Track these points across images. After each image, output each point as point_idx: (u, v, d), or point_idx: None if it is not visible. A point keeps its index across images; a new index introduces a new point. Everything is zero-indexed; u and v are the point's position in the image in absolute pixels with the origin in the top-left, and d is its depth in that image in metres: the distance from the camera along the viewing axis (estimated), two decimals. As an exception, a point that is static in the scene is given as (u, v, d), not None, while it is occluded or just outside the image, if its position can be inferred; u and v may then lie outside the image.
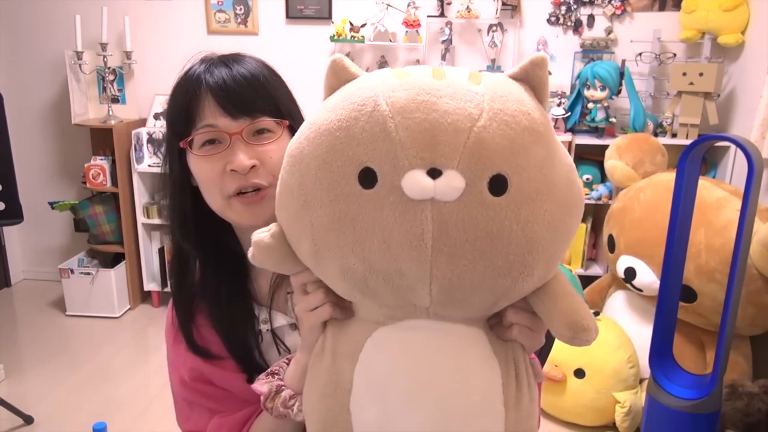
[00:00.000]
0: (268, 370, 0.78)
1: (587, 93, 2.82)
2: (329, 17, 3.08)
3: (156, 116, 3.18)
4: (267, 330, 0.88)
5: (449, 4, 2.98)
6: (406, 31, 2.97)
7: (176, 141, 0.82)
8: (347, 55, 3.08)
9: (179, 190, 0.86)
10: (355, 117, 0.57)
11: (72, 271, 3.07)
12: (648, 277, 2.16)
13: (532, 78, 0.61)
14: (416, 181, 0.53)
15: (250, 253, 0.65)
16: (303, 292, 0.68)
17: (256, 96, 0.80)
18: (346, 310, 0.66)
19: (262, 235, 0.65)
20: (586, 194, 2.90)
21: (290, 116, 0.84)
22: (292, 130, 0.82)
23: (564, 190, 0.58)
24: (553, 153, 0.59)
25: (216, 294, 0.88)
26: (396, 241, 0.54)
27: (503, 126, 0.55)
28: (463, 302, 0.58)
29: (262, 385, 0.76)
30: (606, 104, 2.80)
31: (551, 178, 0.57)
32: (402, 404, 0.60)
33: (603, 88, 2.77)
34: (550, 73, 3.04)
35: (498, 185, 0.54)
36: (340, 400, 0.63)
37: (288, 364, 0.78)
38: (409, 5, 2.93)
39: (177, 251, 0.90)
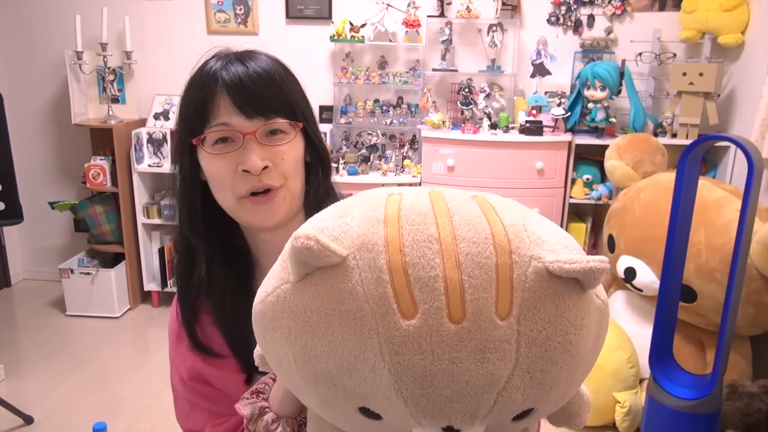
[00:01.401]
0: (253, 387, 0.77)
1: (587, 93, 2.82)
2: (329, 17, 3.08)
3: (156, 116, 3.18)
4: None
5: (449, 4, 2.98)
6: (406, 31, 2.97)
7: (189, 137, 0.81)
8: (347, 55, 3.09)
9: (189, 185, 0.85)
10: (356, 366, 0.45)
11: (72, 271, 3.07)
12: (648, 277, 2.16)
13: (586, 284, 0.47)
14: None
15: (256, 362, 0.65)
16: None
17: (271, 96, 0.80)
18: None
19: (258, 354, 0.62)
20: (586, 194, 2.90)
21: (304, 118, 0.83)
22: (306, 133, 0.83)
23: (588, 362, 0.51)
24: (587, 355, 0.49)
25: (221, 291, 0.87)
26: None
27: (539, 373, 0.45)
28: None
29: (245, 406, 0.74)
30: (606, 104, 2.80)
31: (577, 378, 0.50)
32: None
33: (603, 88, 2.77)
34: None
35: (522, 416, 0.48)
36: None
37: (274, 380, 0.76)
38: (409, 5, 2.93)
39: (184, 247, 0.89)
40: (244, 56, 0.82)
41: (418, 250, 0.45)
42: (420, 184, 2.80)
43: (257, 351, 0.63)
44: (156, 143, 3.11)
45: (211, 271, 0.89)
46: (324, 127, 3.04)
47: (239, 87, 0.78)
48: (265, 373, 0.78)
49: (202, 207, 0.85)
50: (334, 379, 0.47)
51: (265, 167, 0.79)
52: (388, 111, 3.10)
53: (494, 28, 2.95)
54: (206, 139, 0.80)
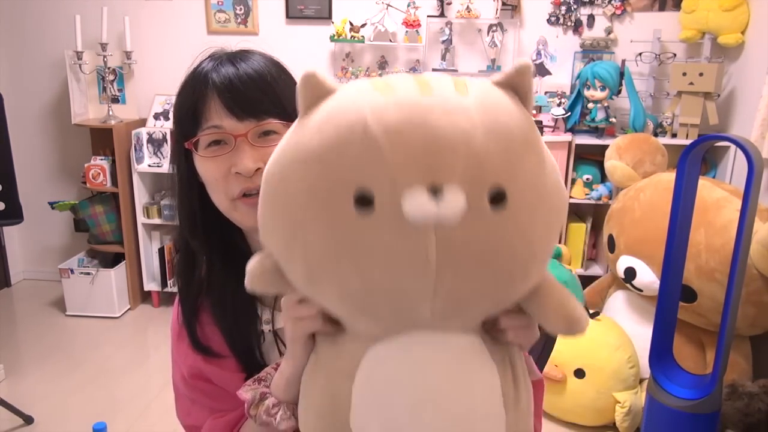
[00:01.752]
0: (255, 376, 0.78)
1: (587, 93, 2.82)
2: (329, 17, 3.08)
3: (156, 116, 3.18)
4: (269, 330, 0.88)
5: (449, 4, 2.98)
6: (406, 31, 2.97)
7: (182, 140, 0.82)
8: (347, 55, 3.09)
9: (186, 187, 0.86)
10: (346, 140, 0.54)
11: (72, 271, 3.07)
12: (648, 277, 2.16)
13: (517, 85, 0.59)
14: (418, 204, 0.51)
15: (246, 282, 0.64)
16: (295, 303, 0.66)
17: (262, 97, 0.79)
18: (335, 325, 0.64)
19: (254, 266, 0.63)
20: (586, 194, 2.90)
21: (297, 115, 0.84)
22: None
23: (554, 194, 0.59)
24: (543, 159, 0.59)
25: (221, 291, 0.88)
26: (398, 264, 0.53)
27: (497, 138, 0.54)
28: (463, 313, 0.59)
29: (246, 391, 0.75)
30: (606, 104, 2.80)
31: (543, 186, 0.58)
32: (405, 417, 0.60)
33: (603, 88, 2.77)
34: (551, 73, 3.02)
35: (497, 198, 0.54)
36: (339, 419, 0.62)
37: (275, 370, 0.77)
38: (409, 5, 2.93)
39: (184, 247, 0.90)
40: (235, 57, 0.81)
41: (396, 76, 0.60)
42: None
43: (257, 263, 0.64)
44: (156, 143, 3.11)
45: (211, 272, 0.89)
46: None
47: (229, 89, 0.78)
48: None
49: (201, 209, 0.85)
50: (325, 159, 0.55)
51: (258, 169, 0.78)
52: (388, 111, 3.09)
53: (494, 28, 2.96)
54: (199, 142, 0.80)
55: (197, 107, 0.79)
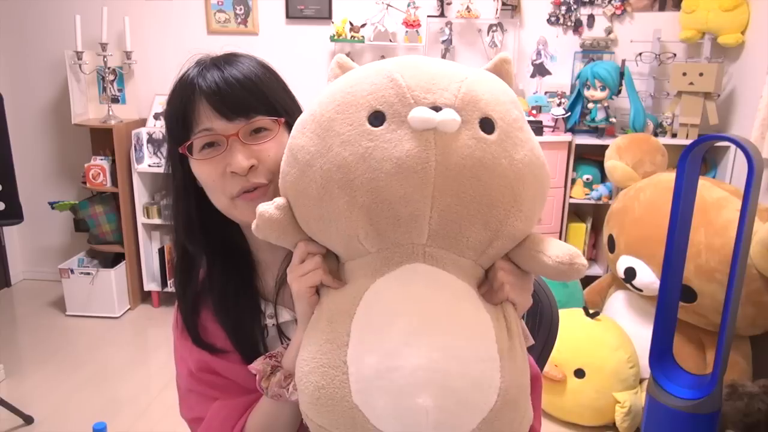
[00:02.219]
0: (267, 353, 0.80)
1: (587, 93, 2.82)
2: (329, 17, 3.08)
3: (156, 116, 3.18)
4: (273, 325, 0.89)
5: (449, 4, 2.98)
6: (406, 31, 2.97)
7: (176, 146, 0.83)
8: (347, 55, 3.09)
9: (183, 193, 0.87)
10: (365, 76, 0.67)
11: (72, 271, 3.07)
12: (648, 277, 2.16)
13: (500, 71, 0.73)
14: (421, 114, 0.62)
15: (253, 224, 0.70)
16: (300, 262, 0.71)
17: (249, 96, 0.80)
18: (337, 278, 0.70)
19: (265, 206, 0.70)
20: (586, 194, 2.90)
21: (286, 113, 0.84)
22: (290, 127, 0.81)
23: (536, 147, 0.70)
24: (525, 120, 0.70)
25: (223, 289, 0.89)
26: (403, 167, 0.61)
27: (487, 85, 0.67)
28: (458, 236, 0.64)
29: (258, 364, 0.78)
30: (606, 104, 2.80)
31: (527, 136, 0.69)
32: (402, 347, 0.62)
33: (603, 88, 2.77)
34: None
35: (487, 126, 0.64)
36: (336, 356, 0.64)
37: (286, 349, 0.80)
38: (409, 5, 2.93)
39: (182, 249, 0.91)
40: (220, 61, 0.83)
41: None
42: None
43: (270, 205, 0.71)
44: (156, 143, 3.11)
45: (212, 271, 0.91)
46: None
47: (216, 92, 0.79)
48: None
49: (199, 212, 0.87)
50: (347, 90, 0.67)
51: (252, 166, 0.80)
52: (388, 111, 3.10)
53: (494, 28, 2.96)
54: (193, 146, 0.82)
55: (187, 113, 0.81)
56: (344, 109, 0.65)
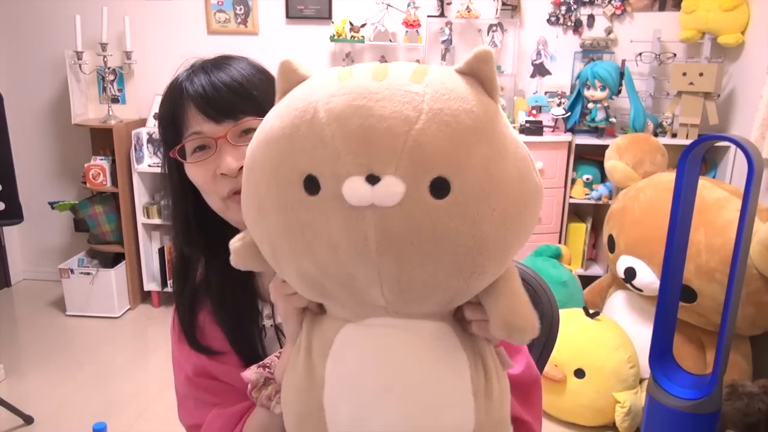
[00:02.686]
0: (261, 362, 0.80)
1: (587, 93, 2.82)
2: (329, 17, 3.08)
3: (156, 116, 3.17)
4: (270, 325, 0.90)
5: (449, 4, 2.98)
6: (406, 31, 2.97)
7: (169, 150, 0.84)
8: (347, 55, 3.09)
9: (179, 195, 0.88)
10: (297, 125, 0.56)
11: (72, 271, 3.07)
12: (648, 277, 2.16)
13: (478, 73, 0.59)
14: (354, 189, 0.52)
15: (231, 258, 0.67)
16: (282, 281, 0.69)
17: (235, 98, 0.81)
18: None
19: (235, 242, 0.67)
20: (586, 194, 2.90)
21: None
22: None
23: (515, 185, 0.57)
24: (501, 149, 0.57)
25: (221, 289, 0.89)
26: (342, 247, 0.55)
27: (443, 127, 0.53)
28: (418, 301, 0.59)
29: (251, 373, 0.78)
30: (606, 104, 2.80)
31: (499, 176, 0.56)
32: (374, 400, 0.61)
33: (603, 88, 2.77)
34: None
35: (439, 188, 0.53)
36: (314, 396, 0.63)
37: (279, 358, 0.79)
38: (409, 5, 2.93)
39: (179, 251, 0.92)
40: (208, 65, 0.83)
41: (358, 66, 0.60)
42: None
43: (238, 241, 0.67)
44: (156, 143, 3.11)
45: (210, 270, 0.91)
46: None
47: (203, 95, 0.80)
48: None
49: (197, 213, 0.87)
50: (281, 143, 0.57)
51: (242, 167, 0.79)
52: (388, 111, 3.09)
53: (494, 28, 2.96)
54: (185, 150, 0.82)
55: (176, 117, 0.82)
56: (278, 167, 0.57)
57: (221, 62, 0.84)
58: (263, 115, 0.80)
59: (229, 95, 0.80)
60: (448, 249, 0.54)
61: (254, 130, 0.80)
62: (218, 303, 0.89)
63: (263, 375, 0.77)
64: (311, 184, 0.55)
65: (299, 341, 0.68)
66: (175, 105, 0.82)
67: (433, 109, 0.54)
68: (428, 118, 0.53)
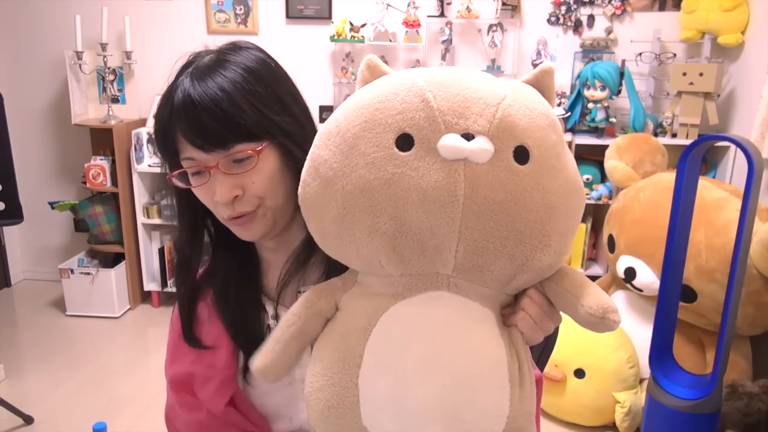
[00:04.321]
0: None
1: (587, 93, 2.81)
2: (329, 17, 3.08)
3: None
4: (275, 325, 0.89)
5: (449, 4, 2.98)
6: (406, 31, 2.97)
7: (169, 167, 0.83)
8: (347, 55, 3.09)
9: (185, 201, 0.87)
10: (395, 92, 0.63)
11: (72, 271, 3.07)
12: (648, 277, 2.16)
13: (541, 84, 0.68)
14: (452, 142, 0.58)
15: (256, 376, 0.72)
16: None
17: (221, 127, 0.75)
18: (350, 282, 0.71)
19: (256, 364, 0.72)
20: (586, 194, 2.90)
21: (268, 133, 0.78)
22: (276, 145, 0.78)
23: (573, 175, 0.65)
24: (564, 143, 0.66)
25: (224, 279, 0.89)
26: (429, 198, 0.59)
27: (524, 108, 0.62)
28: (484, 269, 0.62)
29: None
30: (606, 104, 2.80)
31: (563, 161, 0.64)
32: (414, 374, 0.62)
33: (603, 88, 2.77)
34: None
35: (521, 155, 0.61)
36: (347, 376, 0.64)
37: None
38: (409, 5, 2.93)
39: (182, 248, 0.91)
40: (202, 72, 0.77)
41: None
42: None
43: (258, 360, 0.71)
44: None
45: (215, 262, 0.92)
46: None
47: (188, 122, 0.76)
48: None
49: (204, 212, 0.86)
50: (376, 106, 0.63)
51: (236, 196, 0.79)
52: (388, 111, 3.09)
53: (494, 28, 2.95)
54: (186, 173, 0.81)
55: (167, 138, 0.79)
56: (371, 127, 0.62)
57: (218, 67, 0.78)
58: (254, 140, 0.77)
59: (214, 124, 0.75)
60: (523, 212, 0.60)
61: (247, 158, 0.78)
62: (221, 290, 0.89)
63: None
64: (405, 142, 0.60)
65: (329, 329, 0.69)
66: (165, 125, 0.79)
67: (515, 93, 0.63)
68: (513, 99, 0.62)
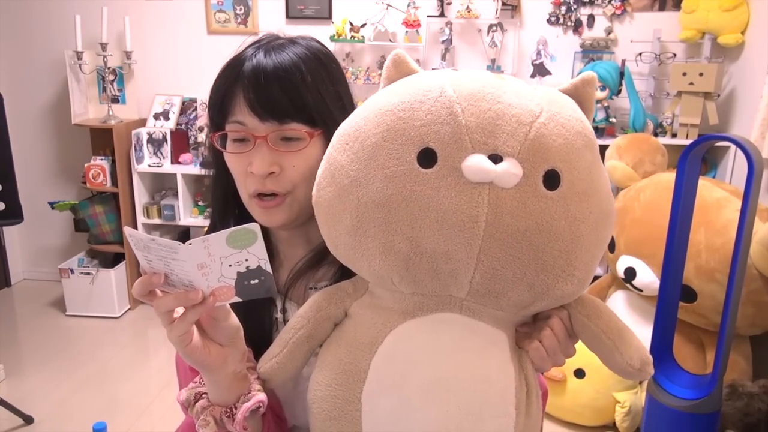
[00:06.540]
0: (196, 378, 0.77)
1: (587, 93, 2.81)
2: (329, 17, 3.08)
3: (156, 116, 3.18)
4: (281, 318, 0.88)
5: (449, 4, 2.98)
6: (406, 31, 2.97)
7: (213, 128, 0.83)
8: (347, 55, 3.09)
9: (221, 169, 0.86)
10: (421, 100, 0.58)
11: (72, 271, 3.07)
12: (648, 277, 2.16)
13: (581, 94, 0.64)
14: (478, 163, 0.54)
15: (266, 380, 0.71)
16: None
17: (285, 99, 0.76)
18: (361, 288, 0.68)
19: (261, 366, 0.71)
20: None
21: (325, 123, 0.79)
22: (327, 137, 0.77)
23: (605, 197, 0.61)
24: (599, 162, 0.62)
25: None
26: (449, 222, 0.55)
27: (560, 127, 0.58)
28: (500, 296, 0.59)
29: (184, 392, 0.74)
30: (606, 104, 2.80)
31: (597, 183, 0.60)
32: (418, 397, 0.60)
33: (603, 88, 2.77)
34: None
35: (551, 180, 0.56)
36: (351, 390, 0.63)
37: None
38: (409, 5, 2.93)
39: (215, 222, 0.91)
40: (276, 48, 0.79)
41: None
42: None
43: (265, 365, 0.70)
44: (156, 143, 3.11)
45: None
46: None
47: (255, 85, 0.76)
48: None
49: (234, 192, 0.86)
50: (399, 115, 0.58)
51: (272, 172, 0.78)
52: (388, 111, 3.09)
53: (494, 28, 2.95)
54: (227, 136, 0.81)
55: (225, 99, 0.79)
56: (393, 137, 0.58)
57: (289, 47, 0.80)
58: (310, 124, 0.78)
59: (280, 94, 0.76)
60: (548, 241, 0.56)
61: (297, 139, 0.78)
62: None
63: (195, 392, 0.74)
64: (427, 157, 0.56)
65: (336, 337, 0.68)
66: (228, 85, 0.79)
67: (551, 110, 0.58)
68: (548, 116, 0.58)
